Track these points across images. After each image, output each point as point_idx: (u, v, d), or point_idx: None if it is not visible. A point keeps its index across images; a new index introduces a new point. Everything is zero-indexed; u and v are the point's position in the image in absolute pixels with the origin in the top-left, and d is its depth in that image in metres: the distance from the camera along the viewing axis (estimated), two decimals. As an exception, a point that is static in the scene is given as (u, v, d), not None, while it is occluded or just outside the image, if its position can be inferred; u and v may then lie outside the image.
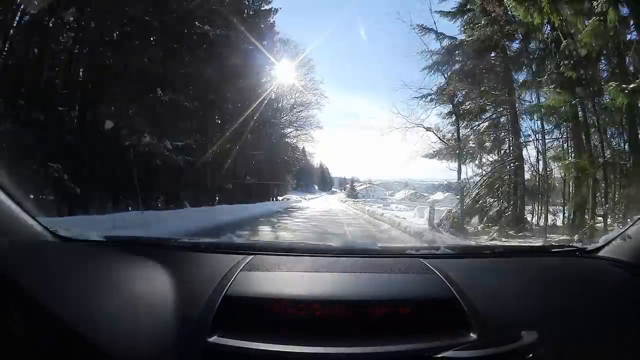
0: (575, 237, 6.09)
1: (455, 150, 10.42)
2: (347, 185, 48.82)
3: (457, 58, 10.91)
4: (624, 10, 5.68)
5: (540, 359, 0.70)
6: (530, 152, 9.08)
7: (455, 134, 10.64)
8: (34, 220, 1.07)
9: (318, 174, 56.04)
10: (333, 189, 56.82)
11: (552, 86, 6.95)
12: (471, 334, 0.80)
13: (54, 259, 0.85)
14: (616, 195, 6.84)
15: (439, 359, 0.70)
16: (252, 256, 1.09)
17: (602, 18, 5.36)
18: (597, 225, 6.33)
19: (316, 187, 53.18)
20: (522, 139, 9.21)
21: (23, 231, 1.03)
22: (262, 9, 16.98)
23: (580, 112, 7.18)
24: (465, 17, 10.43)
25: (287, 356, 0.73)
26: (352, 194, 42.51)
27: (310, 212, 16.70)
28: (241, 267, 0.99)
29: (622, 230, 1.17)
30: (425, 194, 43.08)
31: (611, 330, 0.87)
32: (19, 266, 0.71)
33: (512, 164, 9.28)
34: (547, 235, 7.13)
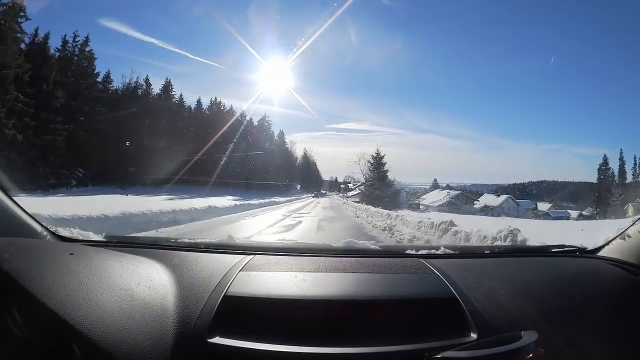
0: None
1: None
2: (356, 184, 31.83)
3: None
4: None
5: (540, 359, 0.70)
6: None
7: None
8: (34, 220, 1.08)
9: (302, 169, 39.63)
10: (322, 190, 43.18)
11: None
12: (471, 334, 0.80)
13: (54, 259, 0.85)
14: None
15: (439, 359, 0.70)
16: (252, 256, 1.09)
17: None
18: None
19: (298, 186, 38.18)
20: None
21: (23, 231, 1.03)
22: None
23: None
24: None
25: (287, 356, 0.73)
26: (389, 197, 22.92)
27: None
28: (241, 267, 0.99)
29: (622, 230, 1.17)
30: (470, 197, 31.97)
31: (611, 330, 0.87)
32: (19, 266, 0.71)
33: None
34: None
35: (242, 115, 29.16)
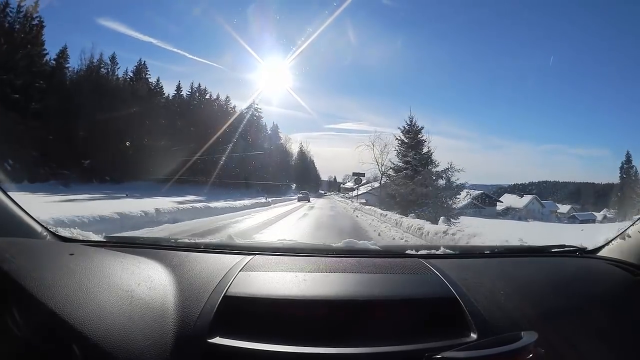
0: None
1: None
2: (359, 183, 22.98)
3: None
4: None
5: (540, 359, 0.71)
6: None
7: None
8: (33, 220, 1.08)
9: (298, 168, 34.61)
10: (320, 190, 38.98)
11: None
12: (471, 334, 0.80)
13: (54, 259, 0.85)
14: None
15: (439, 359, 0.70)
16: (252, 256, 1.09)
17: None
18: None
19: (294, 185, 32.93)
20: None
21: (23, 231, 1.03)
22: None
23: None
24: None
25: (287, 356, 0.73)
26: (438, 197, 13.40)
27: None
28: (241, 267, 0.99)
29: (622, 230, 1.17)
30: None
31: (611, 330, 0.87)
32: (19, 266, 0.71)
33: None
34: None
35: (227, 103, 25.48)
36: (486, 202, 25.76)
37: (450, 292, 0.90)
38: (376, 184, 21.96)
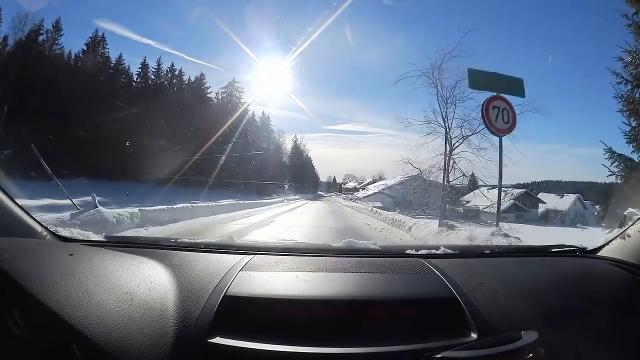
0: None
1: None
2: (361, 184, 24.58)
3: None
4: None
5: (540, 359, 0.71)
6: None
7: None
8: (34, 220, 1.08)
9: (293, 165, 31.15)
10: (319, 191, 36.73)
11: None
12: (471, 334, 0.80)
13: (54, 259, 0.85)
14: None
15: (439, 359, 0.70)
16: (252, 256, 1.09)
17: None
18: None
19: (286, 186, 30.27)
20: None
21: (23, 231, 1.03)
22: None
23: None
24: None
25: (287, 356, 0.73)
26: None
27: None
28: (241, 267, 0.99)
29: (622, 230, 1.17)
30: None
31: (611, 330, 0.87)
32: (19, 266, 0.71)
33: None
34: None
35: (201, 81, 21.30)
36: (527, 203, 20.72)
37: (450, 291, 0.90)
38: (392, 181, 16.94)
